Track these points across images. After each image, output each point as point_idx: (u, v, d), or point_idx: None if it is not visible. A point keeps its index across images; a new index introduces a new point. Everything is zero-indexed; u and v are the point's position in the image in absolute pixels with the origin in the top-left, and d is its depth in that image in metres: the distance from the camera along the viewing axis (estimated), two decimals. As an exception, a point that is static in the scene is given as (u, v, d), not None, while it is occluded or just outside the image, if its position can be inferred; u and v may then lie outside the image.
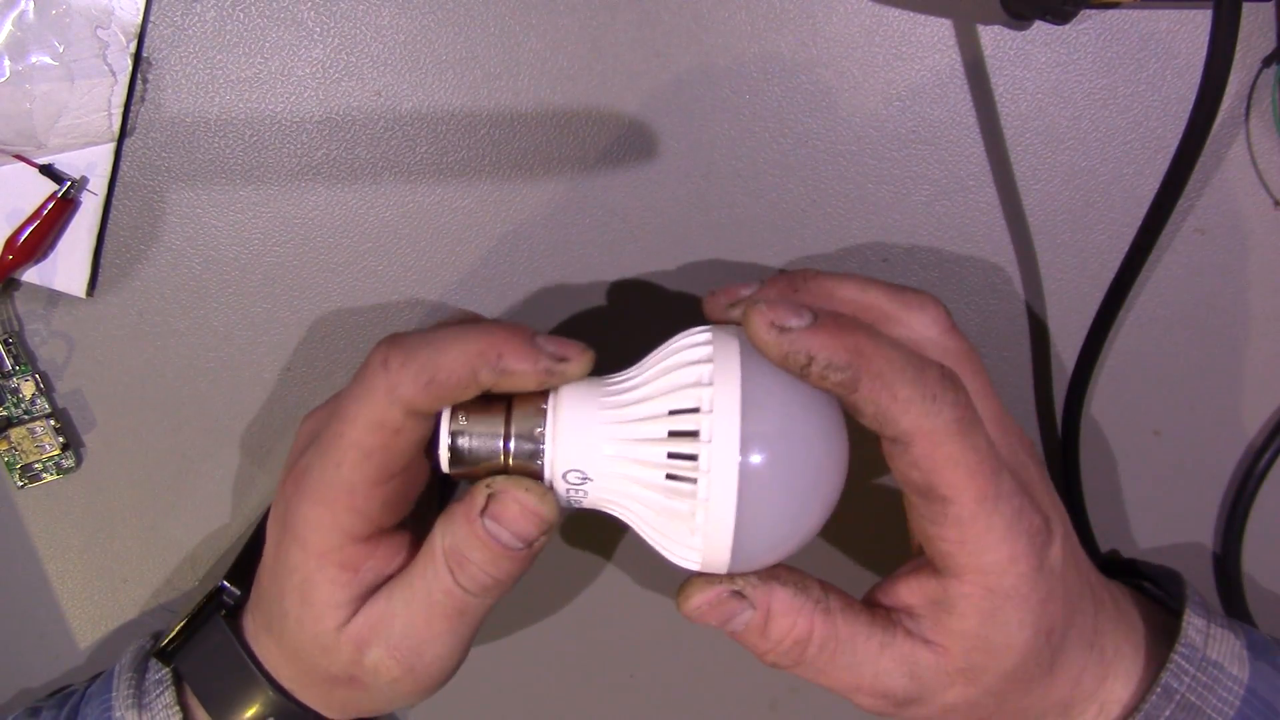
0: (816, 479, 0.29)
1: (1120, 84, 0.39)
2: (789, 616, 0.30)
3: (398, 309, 0.40)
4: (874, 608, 0.32)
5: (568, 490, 0.31)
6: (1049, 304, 0.40)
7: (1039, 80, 0.39)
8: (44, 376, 0.40)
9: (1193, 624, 0.33)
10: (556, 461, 0.30)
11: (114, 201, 0.39)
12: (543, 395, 0.31)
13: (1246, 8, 0.30)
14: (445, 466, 0.31)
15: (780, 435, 0.28)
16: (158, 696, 0.34)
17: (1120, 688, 0.33)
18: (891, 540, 0.36)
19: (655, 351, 0.31)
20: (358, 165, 0.39)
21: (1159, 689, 0.31)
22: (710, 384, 0.28)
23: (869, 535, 0.40)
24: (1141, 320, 0.40)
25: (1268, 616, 0.42)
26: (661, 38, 0.38)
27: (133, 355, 0.40)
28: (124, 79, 0.37)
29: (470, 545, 0.30)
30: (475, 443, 0.30)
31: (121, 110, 0.38)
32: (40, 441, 0.40)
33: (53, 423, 0.40)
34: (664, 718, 0.42)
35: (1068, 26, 0.38)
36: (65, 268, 0.39)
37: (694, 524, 0.29)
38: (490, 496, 0.30)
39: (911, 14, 0.38)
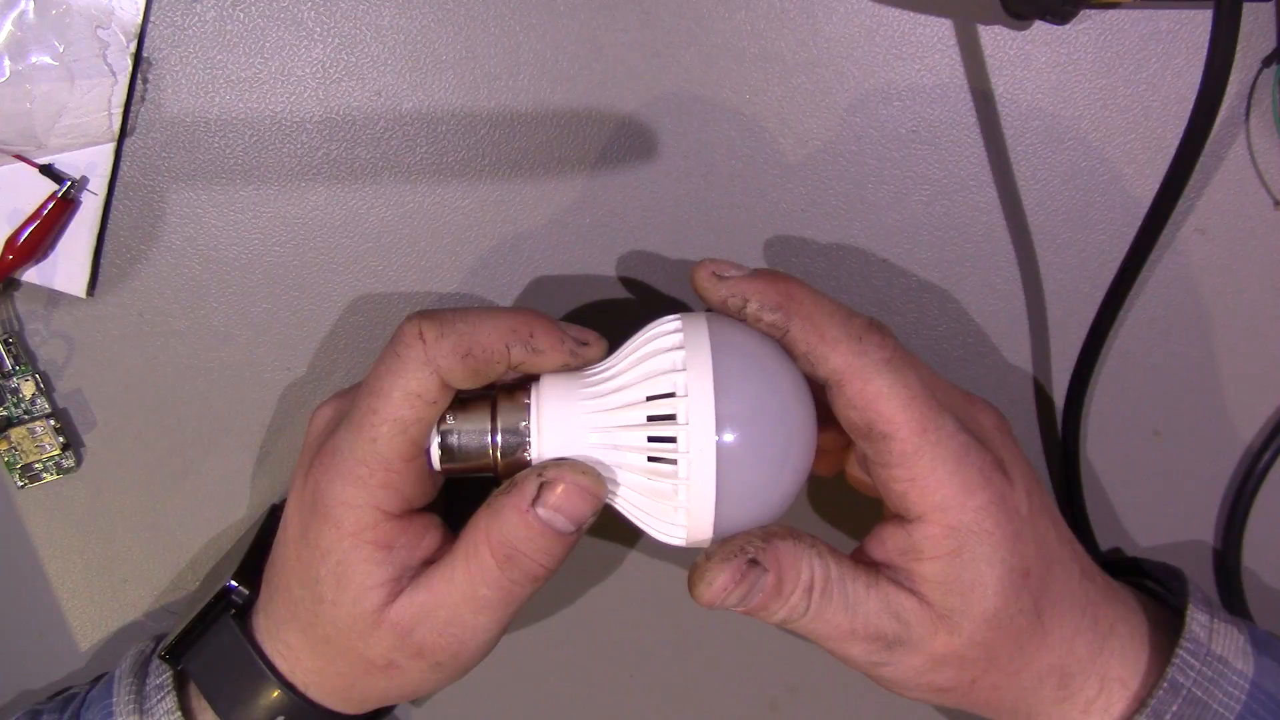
0: (788, 449, 0.31)
1: (1120, 84, 0.39)
2: (794, 567, 0.31)
3: (398, 309, 0.40)
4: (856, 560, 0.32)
5: None
6: (1049, 304, 0.40)
7: (1039, 80, 0.39)
8: (44, 376, 0.40)
9: (1196, 619, 0.33)
10: (543, 452, 0.31)
11: (114, 201, 0.39)
12: (525, 391, 0.32)
13: (1246, 8, 0.30)
14: (436, 464, 0.32)
15: (751, 412, 0.30)
16: (159, 701, 0.34)
17: (1119, 666, 0.32)
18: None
19: (628, 342, 0.32)
20: (358, 165, 0.39)
21: (1166, 683, 0.31)
22: (684, 369, 0.30)
23: (858, 534, 0.40)
24: (1141, 320, 0.40)
25: (1269, 617, 0.42)
26: (661, 38, 0.38)
27: (133, 355, 0.40)
28: (124, 79, 0.37)
29: (523, 537, 0.31)
30: (464, 439, 0.32)
31: (121, 110, 0.38)
32: (40, 441, 0.40)
33: (53, 423, 0.40)
34: (664, 718, 0.42)
35: (1068, 26, 0.38)
36: (65, 268, 0.39)
37: (677, 502, 0.30)
38: (543, 485, 0.31)
39: (911, 14, 0.38)
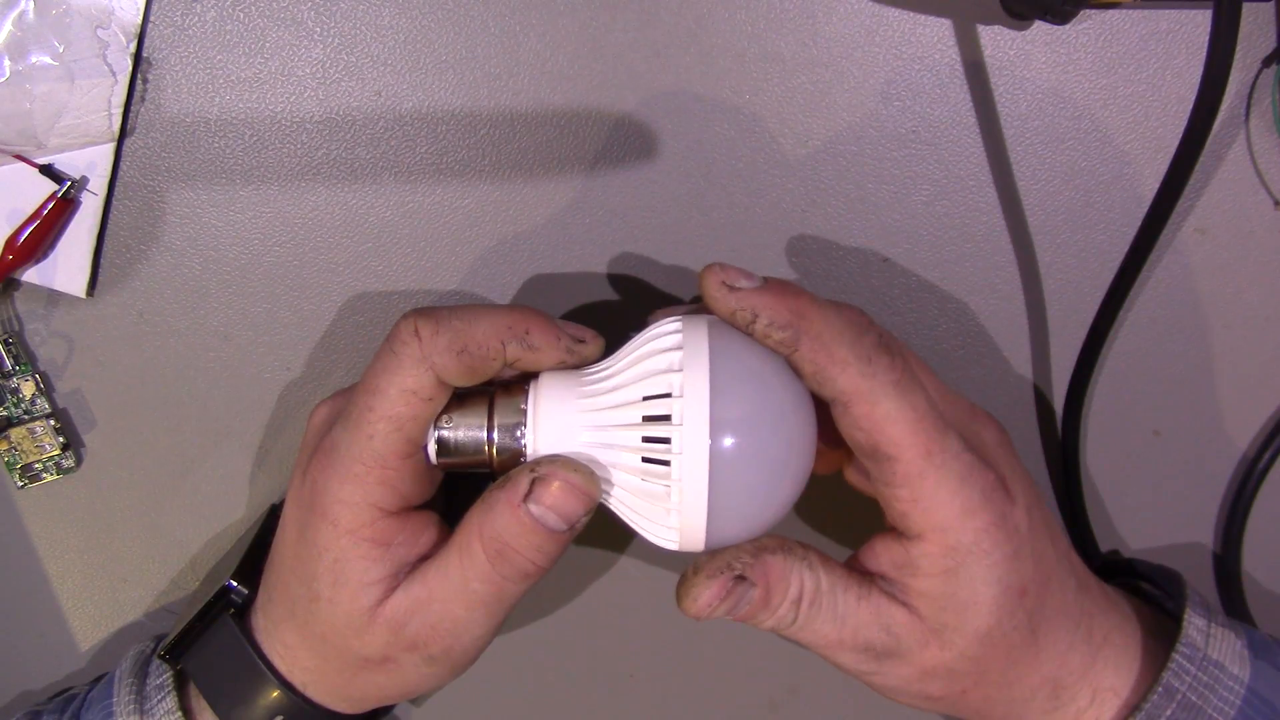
0: (786, 457, 0.30)
1: (1120, 84, 0.39)
2: (783, 580, 0.31)
3: (397, 309, 0.40)
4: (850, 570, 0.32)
5: None
6: (1049, 304, 0.40)
7: (1039, 80, 0.39)
8: (44, 376, 0.40)
9: (1193, 623, 0.32)
10: (538, 449, 0.31)
11: (114, 201, 0.39)
12: (522, 388, 0.32)
13: (1246, 8, 0.30)
14: (433, 459, 0.32)
15: (748, 416, 0.30)
16: (159, 701, 0.34)
17: (1112, 675, 0.32)
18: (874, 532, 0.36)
19: (628, 343, 0.32)
20: (358, 165, 0.39)
21: (1160, 688, 0.31)
22: (680, 370, 0.30)
23: (852, 529, 0.40)
24: (1141, 320, 0.40)
25: (1268, 617, 0.42)
26: (661, 38, 0.38)
27: (133, 355, 0.40)
28: (124, 79, 0.37)
29: (514, 533, 0.31)
30: (460, 435, 0.32)
31: (121, 110, 0.38)
32: (40, 441, 0.40)
33: (53, 423, 0.40)
34: (664, 718, 0.42)
35: (1068, 26, 0.38)
36: (65, 268, 0.39)
37: (669, 504, 0.30)
38: (535, 481, 0.31)
39: (911, 14, 0.38)
